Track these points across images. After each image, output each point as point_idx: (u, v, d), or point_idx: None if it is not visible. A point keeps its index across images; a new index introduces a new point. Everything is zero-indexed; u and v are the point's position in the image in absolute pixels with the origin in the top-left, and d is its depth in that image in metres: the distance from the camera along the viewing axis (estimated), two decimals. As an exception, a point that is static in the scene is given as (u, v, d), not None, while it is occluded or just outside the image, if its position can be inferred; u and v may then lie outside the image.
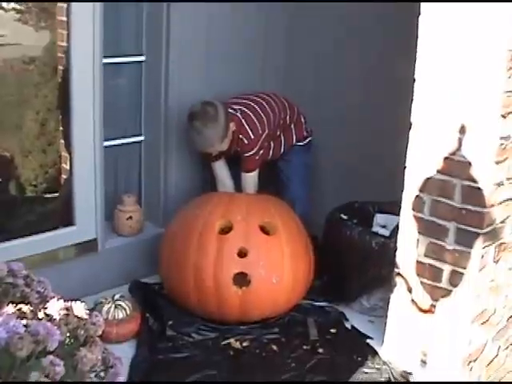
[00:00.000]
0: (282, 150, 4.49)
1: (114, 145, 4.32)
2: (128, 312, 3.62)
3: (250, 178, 4.29)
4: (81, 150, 3.91)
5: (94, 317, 1.72)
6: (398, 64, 3.71)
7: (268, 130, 4.26)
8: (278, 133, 4.41)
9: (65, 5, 3.82)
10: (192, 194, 4.18)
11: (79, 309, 1.70)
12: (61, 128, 4.35)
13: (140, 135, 4.47)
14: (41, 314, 1.63)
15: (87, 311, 1.73)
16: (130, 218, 4.28)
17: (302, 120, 4.57)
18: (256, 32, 4.63)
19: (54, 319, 1.60)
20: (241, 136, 4.17)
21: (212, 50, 4.39)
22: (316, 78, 4.80)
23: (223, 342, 3.68)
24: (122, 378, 1.79)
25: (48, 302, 1.69)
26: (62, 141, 4.33)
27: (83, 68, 3.79)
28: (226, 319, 3.76)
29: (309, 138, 4.60)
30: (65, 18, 3.86)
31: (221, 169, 4.34)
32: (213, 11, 4.32)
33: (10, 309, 1.58)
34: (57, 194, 4.50)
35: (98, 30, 3.77)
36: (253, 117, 4.21)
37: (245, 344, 3.68)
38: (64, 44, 3.98)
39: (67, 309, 1.66)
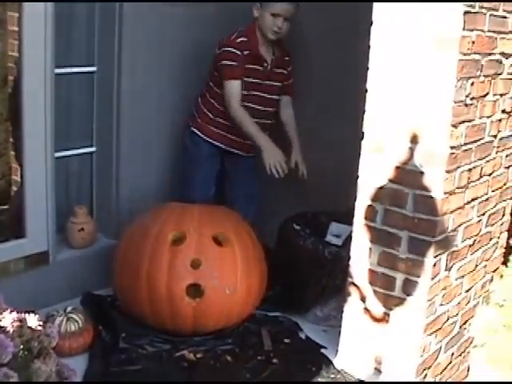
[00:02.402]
0: None
1: (66, 156, 4.28)
2: (80, 325, 3.57)
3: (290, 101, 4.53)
4: (32, 160, 3.86)
5: (48, 328, 1.70)
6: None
7: None
8: None
9: (16, 14, 3.78)
10: (144, 206, 4.15)
11: (33, 321, 1.68)
12: (11, 139, 4.30)
13: (91, 146, 4.43)
14: (-7, 326, 1.60)
15: (41, 323, 1.70)
16: (82, 229, 4.23)
17: None
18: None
19: (8, 331, 1.57)
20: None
21: (166, 59, 4.38)
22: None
23: (177, 354, 3.64)
24: (76, 390, 1.77)
25: (1, 313, 1.66)
26: (13, 152, 4.27)
27: (35, 78, 3.75)
28: (179, 331, 3.73)
29: None
30: (16, 28, 3.83)
31: (238, 93, 4.20)
32: (166, 21, 4.31)
33: (-37, 321, 1.56)
34: (7, 206, 4.44)
35: (50, 40, 3.73)
36: None
37: (199, 355, 3.64)
38: (15, 54, 3.94)
39: (21, 320, 1.64)
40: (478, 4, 2.93)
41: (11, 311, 1.67)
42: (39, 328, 1.67)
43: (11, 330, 1.57)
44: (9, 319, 1.62)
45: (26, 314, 1.69)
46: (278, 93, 4.43)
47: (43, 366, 1.59)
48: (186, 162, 4.56)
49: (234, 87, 4.19)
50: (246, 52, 4.18)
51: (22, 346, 1.61)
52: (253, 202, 4.59)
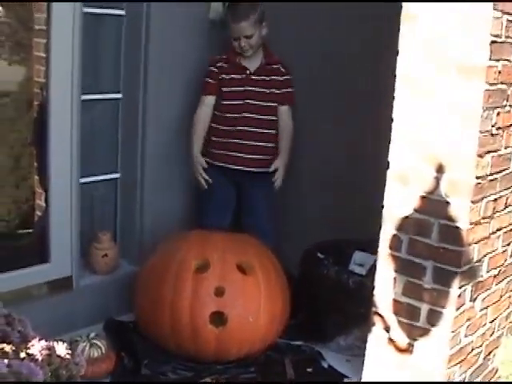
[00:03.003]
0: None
1: (91, 181, 4.30)
2: (103, 351, 3.58)
3: (288, 112, 4.49)
4: (57, 185, 3.89)
5: (76, 357, 1.70)
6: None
7: None
8: None
9: (43, 40, 3.84)
10: (168, 232, 4.16)
11: (61, 349, 1.68)
12: (35, 164, 4.34)
13: (116, 172, 4.46)
14: (23, 354, 1.60)
15: (69, 351, 1.71)
16: (106, 255, 4.25)
17: None
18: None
19: (37, 359, 1.58)
20: (278, 58, 4.40)
21: (191, 85, 4.41)
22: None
23: (199, 381, 3.63)
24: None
25: (29, 341, 1.67)
26: (37, 176, 4.31)
27: (61, 104, 3.79)
28: (202, 358, 3.73)
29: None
30: (43, 54, 3.88)
31: (211, 101, 4.38)
32: (193, 48, 4.38)
33: (-8, 348, 1.56)
34: (31, 230, 4.47)
35: (77, 66, 3.78)
36: None
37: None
38: (41, 80, 3.99)
39: (49, 349, 1.64)
40: (504, 34, 2.93)
41: (40, 339, 1.67)
42: (68, 356, 1.68)
43: (40, 358, 1.58)
44: (38, 347, 1.62)
45: (55, 342, 1.69)
46: (268, 100, 4.40)
47: (71, 395, 1.60)
48: (199, 191, 4.55)
49: (204, 101, 4.39)
50: (219, 64, 4.33)
51: (50, 374, 1.62)
52: (264, 223, 4.52)
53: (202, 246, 3.84)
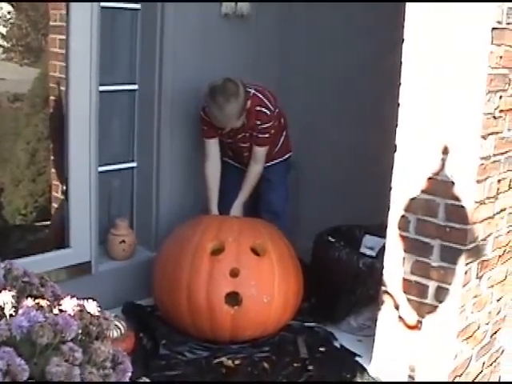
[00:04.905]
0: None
1: (108, 170, 4.41)
2: (122, 331, 3.67)
3: (262, 151, 4.41)
4: (76, 175, 4.00)
5: (105, 313, 1.82)
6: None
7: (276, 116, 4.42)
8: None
9: (59, 36, 3.94)
10: (183, 219, 4.25)
11: (92, 307, 1.80)
12: (52, 157, 4.42)
13: (133, 161, 4.58)
14: (55, 310, 1.72)
15: (99, 309, 1.83)
16: (123, 241, 4.36)
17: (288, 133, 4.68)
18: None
19: (69, 314, 1.69)
20: (261, 108, 4.26)
21: (207, 76, 4.45)
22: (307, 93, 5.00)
23: (215, 361, 3.73)
24: (130, 375, 1.89)
25: (61, 299, 1.79)
26: (53, 169, 4.40)
27: (80, 97, 3.90)
28: (218, 339, 3.83)
29: (289, 154, 4.70)
30: (58, 50, 3.99)
31: (215, 146, 4.41)
32: (204, 40, 4.49)
33: (30, 302, 1.68)
34: (48, 223, 4.57)
35: (95, 59, 3.89)
36: (268, 94, 4.35)
37: (237, 362, 3.72)
38: (57, 74, 4.08)
39: (80, 305, 1.76)
40: (505, 20, 3.04)
41: (71, 297, 1.79)
42: (97, 313, 1.80)
43: (72, 314, 1.70)
44: (69, 304, 1.74)
45: (85, 301, 1.81)
46: (252, 140, 4.43)
47: (102, 347, 1.72)
48: None
49: (206, 146, 4.41)
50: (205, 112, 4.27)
51: (80, 331, 1.73)
52: (280, 202, 4.66)
53: (217, 229, 3.94)
